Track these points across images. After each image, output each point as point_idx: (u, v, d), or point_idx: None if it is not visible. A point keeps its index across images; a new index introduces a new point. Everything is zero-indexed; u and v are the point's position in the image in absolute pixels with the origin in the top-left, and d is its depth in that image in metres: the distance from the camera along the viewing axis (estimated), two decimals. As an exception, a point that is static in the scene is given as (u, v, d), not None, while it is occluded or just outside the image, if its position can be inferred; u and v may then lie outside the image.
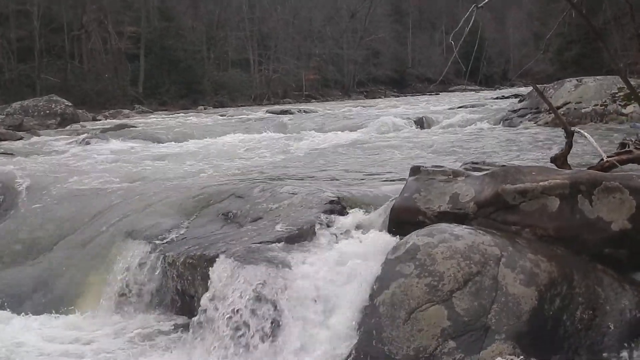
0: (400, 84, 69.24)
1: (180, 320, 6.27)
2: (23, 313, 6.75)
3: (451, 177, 6.07)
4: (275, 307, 5.38)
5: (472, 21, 7.05)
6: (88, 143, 17.34)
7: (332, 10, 68.97)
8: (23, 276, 7.38)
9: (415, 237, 5.45)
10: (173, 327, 6.23)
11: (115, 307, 6.63)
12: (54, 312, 6.76)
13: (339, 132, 16.88)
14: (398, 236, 5.74)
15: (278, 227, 6.45)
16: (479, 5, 7.05)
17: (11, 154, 14.98)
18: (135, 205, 7.93)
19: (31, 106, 27.07)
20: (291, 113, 27.96)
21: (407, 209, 5.97)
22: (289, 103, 46.50)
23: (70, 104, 28.27)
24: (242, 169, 10.47)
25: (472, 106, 22.50)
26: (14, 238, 8.08)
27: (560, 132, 8.97)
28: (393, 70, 70.27)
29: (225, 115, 28.96)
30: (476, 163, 6.81)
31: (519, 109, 17.88)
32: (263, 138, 17.18)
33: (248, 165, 11.20)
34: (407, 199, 6.04)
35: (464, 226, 5.50)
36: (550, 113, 14.82)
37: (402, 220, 5.92)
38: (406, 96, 52.61)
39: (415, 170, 6.31)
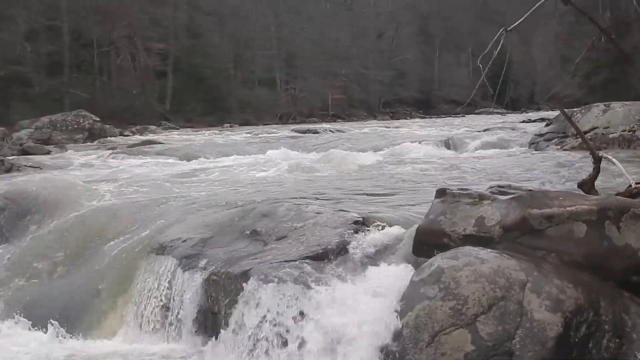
0: (426, 105, 69.18)
1: (204, 337, 6.29)
2: (47, 330, 6.79)
3: (477, 200, 6.05)
4: (299, 325, 5.39)
5: (500, 45, 7.05)
6: (115, 158, 17.49)
7: (358, 31, 69.18)
8: (48, 292, 7.43)
9: (440, 260, 5.43)
10: (197, 345, 6.25)
11: (139, 324, 6.65)
12: (77, 329, 6.80)
13: (365, 153, 16.87)
14: (422, 258, 5.73)
15: (303, 246, 6.46)
16: (508, 29, 7.04)
17: (39, 167, 15.15)
18: (160, 222, 7.98)
19: (60, 120, 27.35)
20: (317, 132, 28.02)
21: (432, 231, 5.95)
22: (315, 122, 46.59)
23: (98, 119, 28.55)
24: (267, 187, 10.49)
25: (499, 129, 22.39)
26: (40, 253, 8.15)
27: (587, 157, 8.91)
28: (419, 92, 70.26)
29: (251, 133, 29.08)
30: (502, 187, 6.77)
31: (546, 133, 17.77)
32: (288, 157, 17.23)
33: (273, 183, 11.22)
34: (433, 221, 6.02)
35: (489, 250, 5.47)
36: (577, 138, 14.74)
37: (426, 242, 5.90)
38: (432, 117, 52.56)
39: (441, 193, 6.28)
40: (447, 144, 18.52)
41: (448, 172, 12.02)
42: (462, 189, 6.38)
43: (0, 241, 8.75)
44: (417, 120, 45.10)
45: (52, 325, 6.79)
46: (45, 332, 6.75)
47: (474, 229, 5.78)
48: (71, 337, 6.70)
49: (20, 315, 7.05)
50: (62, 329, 6.77)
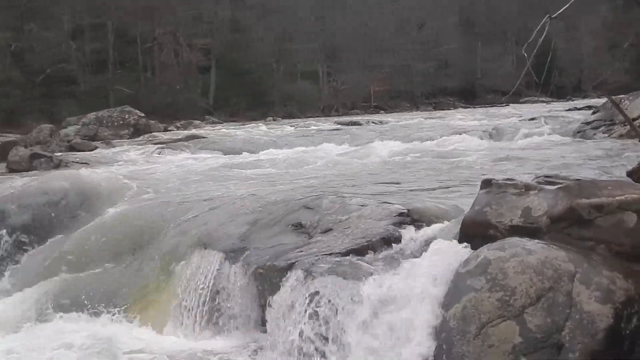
0: (470, 95, 68.61)
1: (250, 329, 6.32)
2: (97, 321, 6.90)
3: (523, 190, 5.97)
4: (345, 318, 5.39)
5: (545, 32, 6.95)
6: (160, 153, 17.64)
7: (401, 22, 68.85)
8: (98, 283, 7.54)
9: (486, 251, 5.39)
10: (243, 337, 6.29)
11: (186, 317, 6.71)
12: (126, 321, 6.89)
13: (408, 144, 16.79)
14: (469, 249, 5.69)
15: (348, 239, 6.45)
16: (553, 16, 6.93)
17: (86, 163, 15.34)
18: (207, 216, 8.03)
19: (105, 117, 27.67)
20: (360, 124, 27.94)
21: (478, 223, 5.89)
22: (357, 114, 46.50)
23: (142, 115, 28.81)
24: (311, 180, 10.50)
25: (544, 118, 22.09)
26: (91, 245, 8.27)
27: (636, 144, 8.77)
28: (462, 82, 69.66)
29: (294, 127, 29.12)
30: (549, 176, 6.67)
31: (593, 121, 17.50)
32: (332, 149, 17.22)
33: (317, 176, 11.22)
34: (478, 212, 5.97)
35: (536, 241, 5.41)
36: (626, 125, 14.49)
37: (472, 234, 5.85)
38: (476, 107, 52.08)
39: (487, 183, 6.22)
40: (492, 134, 18.32)
41: (493, 162, 11.91)
42: (508, 179, 6.31)
43: (51, 235, 8.88)
44: (461, 110, 44.75)
45: (102, 316, 6.91)
46: (95, 324, 6.86)
47: (521, 220, 5.71)
48: (120, 329, 6.78)
49: (70, 306, 7.17)
50: (112, 320, 6.87)
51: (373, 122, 28.88)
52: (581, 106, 28.93)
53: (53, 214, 9.15)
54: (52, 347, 6.35)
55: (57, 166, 14.58)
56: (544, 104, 45.81)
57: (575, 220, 5.50)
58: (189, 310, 6.70)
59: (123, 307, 7.05)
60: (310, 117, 44.87)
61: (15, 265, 8.43)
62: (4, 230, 8.81)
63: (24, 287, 7.84)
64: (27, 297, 7.61)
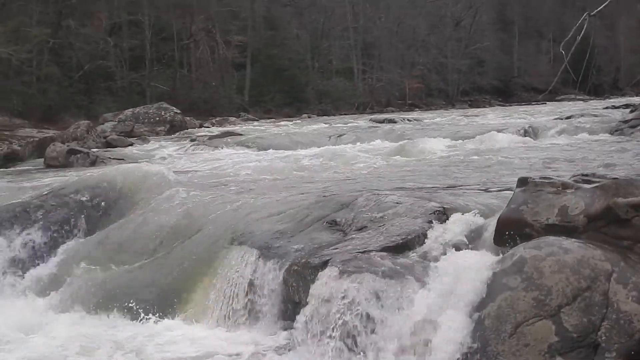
0: (506, 93, 68.14)
1: (285, 326, 6.35)
2: (135, 316, 6.99)
3: (560, 189, 5.94)
4: (379, 314, 5.40)
5: (583, 30, 6.90)
6: (196, 150, 17.75)
7: (436, 19, 68.55)
8: (136, 277, 7.62)
9: (522, 250, 5.37)
10: (277, 334, 6.33)
11: (222, 312, 6.76)
12: (163, 315, 6.96)
13: (443, 142, 16.73)
14: (504, 248, 5.67)
15: (383, 237, 6.45)
16: (591, 14, 6.88)
17: (122, 159, 15.49)
18: (242, 212, 8.07)
19: (142, 113, 27.87)
20: (394, 122, 27.88)
21: (514, 221, 5.87)
22: (392, 112, 46.42)
23: (178, 112, 29.00)
24: (346, 177, 10.52)
25: (581, 116, 21.89)
26: (129, 240, 8.35)
27: (675, 144, 8.65)
28: (498, 80, 69.19)
29: (328, 124, 29.14)
30: (586, 175, 6.63)
31: (631, 119, 17.33)
32: (367, 146, 17.22)
33: (352, 174, 11.24)
34: (514, 210, 5.95)
35: (573, 240, 5.38)
36: (664, 124, 14.32)
37: (508, 232, 5.82)
38: (512, 105, 51.72)
39: (523, 182, 6.20)
40: (528, 132, 18.20)
41: (529, 160, 11.84)
42: (544, 178, 6.28)
43: (89, 230, 8.98)
44: (497, 108, 44.46)
45: (141, 310, 6.99)
46: (133, 319, 6.95)
47: (557, 219, 5.69)
48: (158, 322, 6.87)
49: (109, 300, 7.27)
50: (149, 314, 6.95)
51: (408, 120, 28.81)
52: (619, 104, 28.59)
53: (91, 210, 9.24)
54: (94, 341, 6.46)
55: (94, 162, 14.73)
56: (582, 102, 45.32)
57: (612, 219, 5.47)
58: (225, 305, 6.75)
59: (161, 302, 7.12)
60: (344, 114, 44.89)
61: (54, 259, 8.53)
62: (42, 226, 8.90)
63: (63, 283, 7.93)
64: (66, 292, 7.71)
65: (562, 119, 21.47)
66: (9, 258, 8.43)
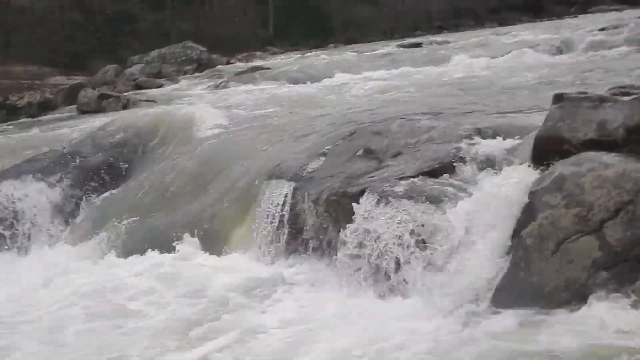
0: (536, 8, 66.70)
1: (325, 255, 6.42)
2: (177, 250, 7.14)
3: (597, 103, 5.84)
4: (420, 237, 5.42)
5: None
6: (225, 87, 17.73)
7: None
8: (176, 215, 7.73)
9: (561, 167, 5.34)
10: (318, 262, 6.41)
11: (261, 244, 6.85)
12: (204, 249, 7.09)
13: (473, 62, 16.50)
14: (543, 166, 5.63)
15: (419, 162, 6.43)
16: None
17: (153, 100, 15.54)
18: (277, 146, 8.10)
19: (168, 53, 27.83)
20: (422, 45, 27.53)
21: (552, 138, 5.80)
22: (420, 35, 45.70)
23: (204, 49, 28.89)
24: (378, 105, 10.46)
25: (615, 27, 21.35)
26: (165, 181, 8.43)
27: None
28: (527, -5, 67.77)
29: (356, 52, 28.84)
30: (624, 87, 6.52)
31: (668, 28, 16.95)
32: (395, 72, 17.04)
33: (383, 101, 11.17)
34: (551, 127, 5.87)
35: (613, 154, 5.32)
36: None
37: (546, 150, 5.76)
38: (543, 21, 50.69)
39: (559, 98, 6.11)
40: (560, 48, 17.84)
41: (564, 76, 11.65)
42: (580, 93, 6.19)
43: (126, 174, 9.07)
44: (527, 25, 43.60)
45: (182, 247, 7.12)
46: (175, 254, 7.09)
47: (596, 133, 5.61)
48: (202, 257, 7.02)
49: (152, 240, 7.42)
50: (190, 251, 7.07)
51: (436, 43, 28.36)
52: (656, 12, 27.87)
53: (128, 154, 9.34)
54: (140, 275, 6.67)
55: (125, 105, 14.79)
56: (616, 12, 44.20)
57: (653, 130, 5.40)
58: (265, 237, 6.84)
59: (203, 238, 7.25)
60: (372, 41, 44.32)
61: (93, 203, 8.66)
62: (80, 172, 9.02)
63: (104, 224, 8.07)
64: (108, 233, 7.85)
65: (595, 31, 21.00)
66: (50, 205, 8.57)
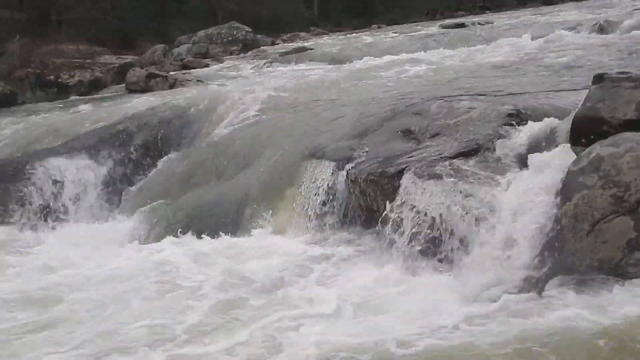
0: (580, -13, 65.58)
1: (365, 231, 6.46)
2: (219, 231, 7.19)
3: (638, 83, 5.76)
4: (461, 216, 5.43)
5: None
6: (270, 67, 17.73)
7: None
8: (219, 195, 7.79)
9: (599, 148, 5.28)
10: (360, 238, 6.44)
11: (305, 223, 6.90)
12: (245, 229, 7.14)
13: (516, 42, 16.27)
14: (581, 148, 5.57)
15: (457, 142, 6.42)
16: None
17: (200, 80, 15.61)
18: (318, 126, 8.13)
19: (214, 34, 27.85)
20: (465, 26, 27.19)
21: (591, 119, 5.73)
22: (463, 16, 45.17)
23: (250, 30, 28.86)
24: (417, 86, 10.40)
25: (659, 7, 20.89)
26: (208, 159, 8.51)
27: None
28: (572, -27, 66.57)
29: (398, 33, 28.62)
30: (665, 67, 6.42)
31: None
32: (437, 53, 16.88)
33: (424, 81, 11.10)
34: (591, 108, 5.80)
35: (652, 134, 5.26)
36: None
37: (585, 131, 5.69)
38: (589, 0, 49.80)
39: (599, 78, 6.02)
40: (603, 27, 17.48)
41: (605, 57, 11.44)
42: (621, 73, 6.09)
43: (171, 150, 9.17)
44: (571, 3, 42.88)
45: (226, 225, 7.21)
46: (215, 237, 7.16)
47: (636, 114, 5.52)
48: (249, 233, 7.09)
49: (197, 218, 7.50)
50: (234, 228, 7.15)
51: (479, 24, 27.98)
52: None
53: (172, 132, 9.43)
54: (185, 254, 6.72)
55: (173, 85, 14.86)
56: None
57: (694, 111, 5.31)
58: (308, 214, 6.91)
59: (249, 214, 7.31)
60: (414, 22, 43.93)
61: (141, 179, 8.78)
62: (128, 149, 9.14)
63: (152, 201, 8.18)
64: (153, 212, 7.95)
65: (638, 11, 20.54)
66: (100, 180, 8.71)
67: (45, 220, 8.36)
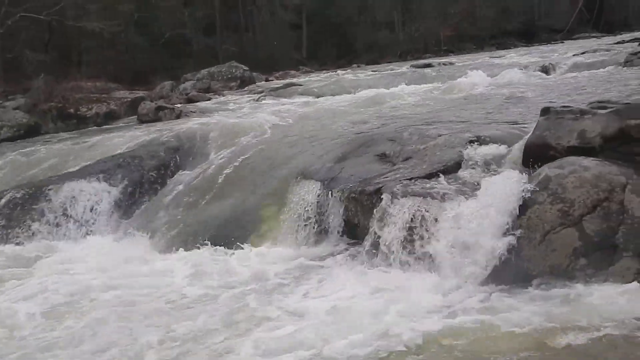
0: (528, 35, 66.18)
1: (348, 243, 6.46)
2: (220, 244, 7.14)
3: (579, 115, 5.85)
4: (429, 230, 5.44)
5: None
6: (264, 100, 17.75)
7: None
8: (221, 210, 7.74)
9: (547, 169, 5.36)
10: (343, 249, 6.43)
11: (294, 234, 6.88)
12: (242, 243, 7.08)
13: (474, 80, 16.37)
14: (531, 169, 5.63)
15: (426, 165, 6.46)
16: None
17: (202, 112, 15.60)
18: (305, 150, 8.13)
19: (216, 72, 27.89)
20: (432, 66, 27.38)
21: (539, 145, 5.84)
22: (430, 57, 45.47)
23: (247, 69, 28.92)
24: (393, 116, 10.43)
25: (595, 51, 21.12)
26: (211, 179, 8.47)
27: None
28: (521, 24, 67.04)
29: (376, 71, 28.76)
30: (601, 102, 6.50)
31: (639, 52, 16.75)
32: (409, 88, 16.96)
33: (397, 112, 11.14)
34: (539, 136, 5.90)
35: (591, 158, 5.33)
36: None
37: (534, 155, 5.79)
38: (534, 46, 50.28)
39: (546, 111, 6.13)
40: (547, 69, 17.68)
41: (550, 93, 11.55)
42: (564, 106, 6.19)
43: (174, 177, 9.10)
44: (521, 49, 43.27)
45: (225, 237, 7.16)
46: (215, 246, 7.10)
47: (577, 141, 5.63)
48: (242, 245, 7.01)
49: (202, 233, 7.44)
50: (233, 239, 7.11)
51: (444, 64, 28.20)
52: (629, 39, 27.56)
53: (178, 158, 9.40)
54: (195, 264, 6.67)
55: (179, 116, 14.83)
56: (595, 39, 43.73)
57: (625, 138, 5.40)
58: (296, 228, 6.88)
59: (243, 229, 7.24)
60: (389, 62, 44.18)
61: (149, 200, 8.71)
62: (139, 173, 9.07)
63: (159, 219, 8.11)
64: (164, 228, 7.89)
65: (577, 55, 20.78)
66: (113, 201, 8.60)
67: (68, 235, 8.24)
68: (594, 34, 53.74)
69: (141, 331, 4.99)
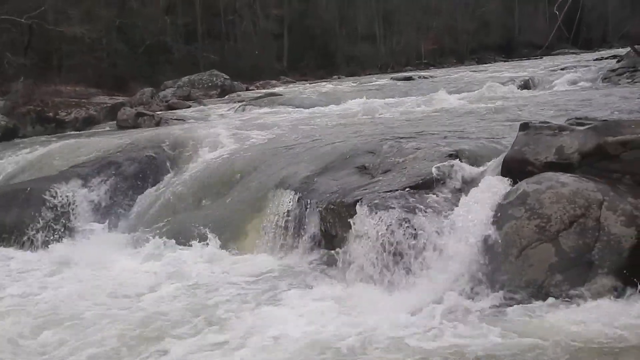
0: (508, 50, 66.84)
1: (325, 253, 6.44)
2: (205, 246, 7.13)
3: (557, 131, 5.89)
4: (405, 242, 5.43)
5: (575, -8, 6.74)
6: (244, 109, 17.71)
7: (446, -13, 67.17)
8: (199, 217, 7.70)
9: (525, 185, 5.37)
10: (320, 259, 6.42)
11: (271, 243, 6.85)
12: (222, 245, 7.08)
13: (454, 95, 16.46)
14: (509, 184, 5.65)
15: (405, 178, 6.45)
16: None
17: (182, 119, 15.53)
18: (285, 161, 8.10)
19: (196, 80, 27.85)
20: (412, 79, 27.51)
21: (518, 160, 5.85)
22: (410, 70, 45.72)
23: (227, 77, 28.91)
24: (373, 128, 10.44)
25: (574, 67, 21.37)
26: (188, 188, 8.43)
27: (657, 88, 8.44)
28: (501, 38, 67.78)
29: (356, 83, 28.84)
30: (579, 118, 6.56)
31: (617, 69, 16.95)
32: (389, 100, 17.00)
33: (377, 125, 11.15)
34: (517, 151, 5.91)
35: (568, 174, 5.35)
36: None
37: (513, 170, 5.81)
38: (513, 60, 50.70)
39: (524, 126, 6.15)
40: (527, 84, 17.83)
41: (529, 108, 11.64)
42: (543, 122, 6.22)
43: (153, 182, 9.07)
44: (500, 63, 43.61)
45: (205, 243, 7.12)
46: (198, 250, 7.07)
47: (555, 157, 5.65)
48: (218, 252, 7.01)
49: (178, 237, 7.40)
50: (211, 246, 7.07)
51: (424, 77, 28.34)
52: (607, 56, 27.90)
53: (158, 163, 9.34)
54: (169, 269, 6.66)
55: (158, 123, 14.76)
56: (574, 55, 44.20)
57: (603, 155, 5.43)
58: (272, 237, 6.86)
59: (222, 235, 7.22)
60: (369, 74, 44.35)
61: (127, 204, 8.65)
62: (118, 178, 9.02)
63: (136, 223, 8.08)
64: (143, 231, 7.85)
65: (556, 71, 20.99)
66: (91, 204, 8.58)
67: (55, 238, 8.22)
68: (572, 50, 54.37)
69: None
